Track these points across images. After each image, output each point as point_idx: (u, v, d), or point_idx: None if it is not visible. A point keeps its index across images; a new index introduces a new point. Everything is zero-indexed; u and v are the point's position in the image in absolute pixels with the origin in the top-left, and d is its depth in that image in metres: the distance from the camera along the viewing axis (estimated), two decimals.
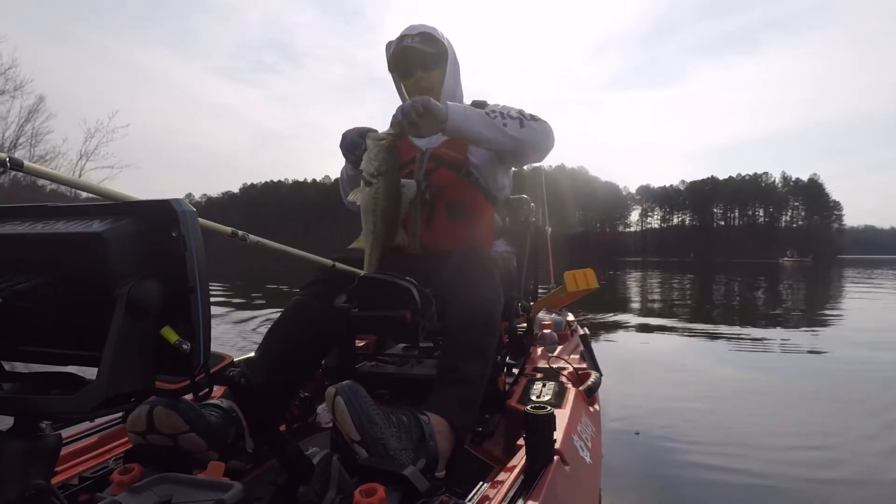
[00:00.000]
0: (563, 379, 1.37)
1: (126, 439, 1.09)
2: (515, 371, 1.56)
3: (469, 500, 0.79)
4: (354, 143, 1.30)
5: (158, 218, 0.55)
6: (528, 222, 1.75)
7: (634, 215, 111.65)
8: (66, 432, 1.01)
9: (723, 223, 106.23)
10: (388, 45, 1.51)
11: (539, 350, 1.74)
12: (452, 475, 0.94)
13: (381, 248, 1.24)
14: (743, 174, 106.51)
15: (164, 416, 0.85)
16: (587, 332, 2.31)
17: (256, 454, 0.99)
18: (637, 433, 2.30)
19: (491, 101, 1.56)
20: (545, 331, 1.90)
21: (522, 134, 1.29)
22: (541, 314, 2.28)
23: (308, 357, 1.23)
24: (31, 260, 0.56)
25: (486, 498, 0.79)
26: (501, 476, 0.86)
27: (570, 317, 2.46)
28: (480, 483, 0.87)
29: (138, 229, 0.55)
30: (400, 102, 1.58)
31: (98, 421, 1.11)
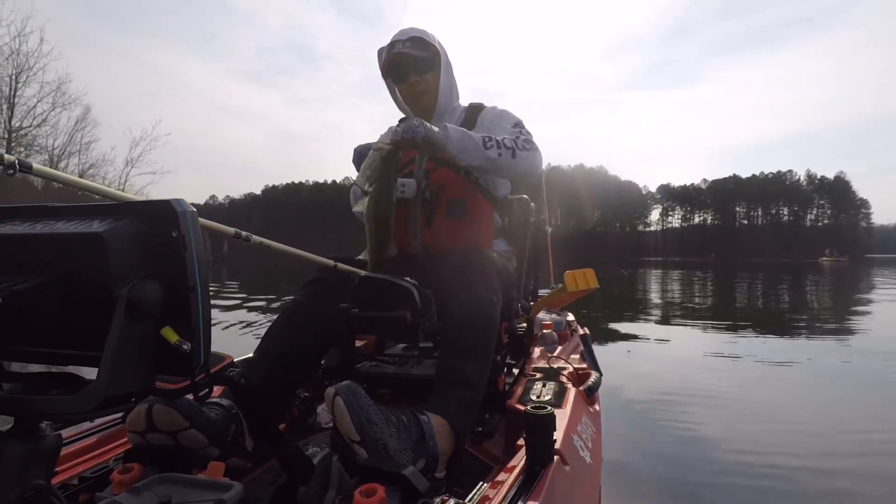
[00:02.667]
0: (563, 379, 1.37)
1: (126, 439, 1.09)
2: (515, 371, 1.56)
3: (469, 501, 0.79)
4: (363, 155, 1.33)
5: (158, 218, 0.55)
6: (529, 222, 1.75)
7: (655, 214, 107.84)
8: (65, 432, 1.01)
9: (745, 222, 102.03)
10: (380, 51, 1.51)
11: (539, 350, 1.74)
12: (452, 475, 0.94)
13: (377, 255, 1.27)
14: (766, 172, 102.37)
15: (163, 413, 0.85)
16: (587, 331, 2.31)
17: (257, 453, 0.99)
18: (629, 351, 2.23)
19: (489, 103, 1.56)
20: (545, 331, 1.89)
21: (513, 164, 1.30)
22: (541, 314, 2.28)
23: (306, 357, 1.23)
24: (31, 260, 0.56)
25: (486, 498, 0.79)
26: (501, 476, 0.86)
27: (571, 317, 2.45)
28: (480, 483, 0.87)
29: (138, 229, 0.55)
30: (395, 108, 1.58)
31: (98, 421, 1.11)
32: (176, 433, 0.86)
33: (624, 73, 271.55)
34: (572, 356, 1.70)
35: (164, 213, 0.55)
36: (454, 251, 1.25)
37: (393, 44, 1.47)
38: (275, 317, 1.25)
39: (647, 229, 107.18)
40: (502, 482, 0.83)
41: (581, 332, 2.26)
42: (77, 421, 1.00)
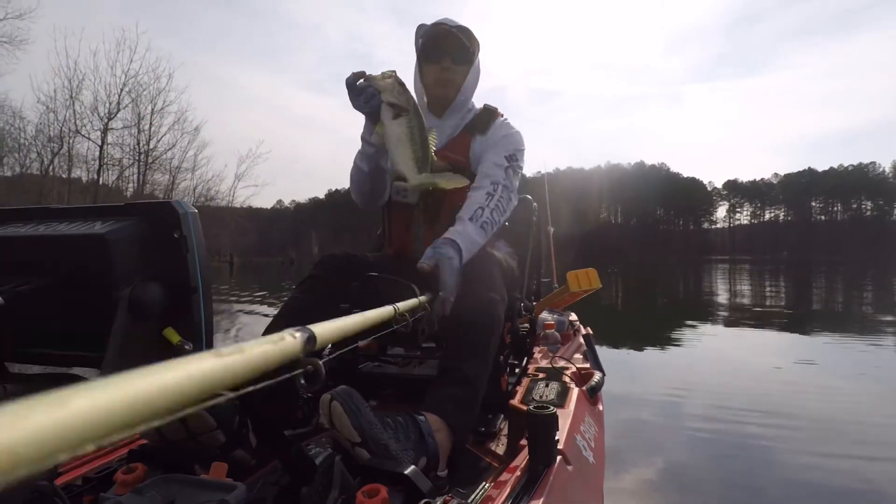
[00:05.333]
0: (566, 379, 1.36)
1: (130, 440, 1.09)
2: (518, 371, 1.56)
3: (472, 500, 0.79)
4: (363, 90, 1.19)
5: (160, 219, 0.55)
6: (532, 222, 1.75)
7: (721, 211, 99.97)
8: None
9: (823, 218, 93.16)
10: (420, 27, 1.46)
11: (542, 350, 1.74)
12: (455, 475, 0.94)
13: (428, 169, 1.19)
14: (846, 165, 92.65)
15: None
16: (590, 331, 2.31)
17: (260, 452, 0.99)
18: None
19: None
20: (548, 331, 1.89)
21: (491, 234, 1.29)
22: (543, 314, 2.28)
23: None
24: (34, 261, 0.56)
25: (489, 498, 0.79)
26: (504, 476, 0.86)
27: (573, 317, 2.45)
28: (483, 483, 0.87)
29: (140, 230, 0.55)
30: (412, 84, 1.47)
31: None
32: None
33: (687, 65, 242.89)
34: (575, 356, 1.70)
35: (165, 215, 0.55)
36: None
37: (440, 23, 1.43)
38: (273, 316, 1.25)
39: (713, 227, 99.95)
40: (505, 482, 0.83)
41: (584, 331, 2.26)
42: None
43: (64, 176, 18.40)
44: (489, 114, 1.49)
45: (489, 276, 1.18)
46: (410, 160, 1.16)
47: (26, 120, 17.83)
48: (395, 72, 1.18)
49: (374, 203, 1.45)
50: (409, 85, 1.32)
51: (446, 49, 1.41)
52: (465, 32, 1.41)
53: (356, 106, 1.23)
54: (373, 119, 1.23)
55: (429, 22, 1.46)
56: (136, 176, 19.31)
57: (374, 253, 1.51)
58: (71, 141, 17.87)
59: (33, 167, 18.24)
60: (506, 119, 1.49)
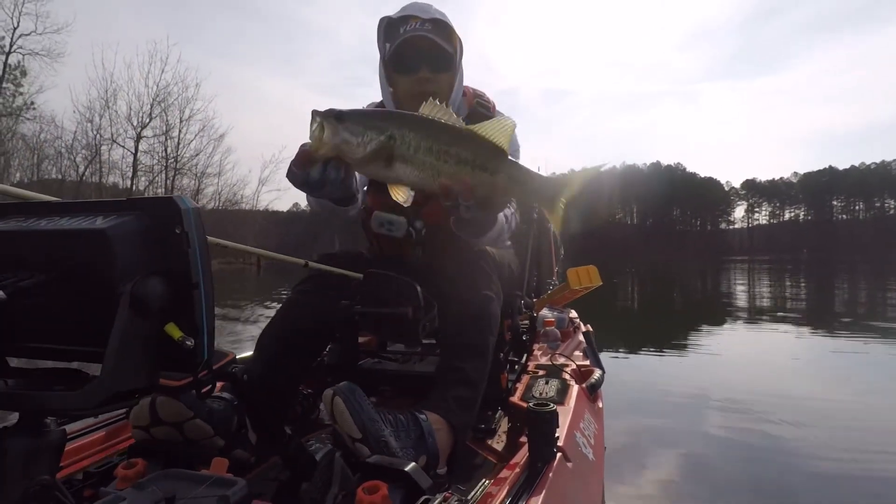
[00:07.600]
0: (566, 376, 1.37)
1: (130, 434, 1.09)
2: (518, 368, 1.56)
3: (472, 497, 0.80)
4: (321, 178, 0.80)
5: (162, 214, 0.55)
6: (532, 220, 1.75)
7: (739, 212, 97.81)
8: (70, 428, 1.01)
9: (844, 217, 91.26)
10: (382, 21, 1.18)
11: (541, 347, 1.74)
12: (455, 472, 0.94)
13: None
14: (867, 162, 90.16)
15: (167, 404, 0.85)
16: (590, 329, 2.30)
17: (260, 447, 0.99)
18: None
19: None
20: (548, 328, 1.89)
21: (490, 242, 1.23)
22: (544, 311, 2.27)
23: (305, 354, 1.22)
24: (35, 256, 0.56)
25: (488, 495, 0.79)
26: (504, 473, 0.86)
27: (573, 314, 2.45)
28: (483, 480, 0.87)
29: (142, 225, 0.55)
30: (381, 94, 1.24)
31: (102, 417, 1.11)
32: (181, 424, 0.86)
33: (702, 62, 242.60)
34: (575, 353, 1.69)
35: (167, 210, 0.55)
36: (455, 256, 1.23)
37: (407, 18, 1.14)
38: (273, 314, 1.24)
39: (731, 227, 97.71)
40: (505, 479, 0.83)
41: (584, 329, 2.26)
42: (81, 416, 1.00)
43: (99, 182, 19.66)
44: (482, 108, 1.33)
45: (482, 274, 1.17)
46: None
47: (64, 129, 19.22)
48: (315, 112, 0.76)
49: (342, 214, 1.17)
50: (377, 89, 1.14)
51: (420, 58, 1.15)
52: (443, 31, 1.15)
53: (332, 198, 0.92)
54: (348, 197, 0.93)
55: (393, 12, 1.16)
56: (164, 181, 20.32)
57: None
58: (107, 149, 19.26)
59: (70, 173, 19.57)
60: (501, 115, 1.31)
